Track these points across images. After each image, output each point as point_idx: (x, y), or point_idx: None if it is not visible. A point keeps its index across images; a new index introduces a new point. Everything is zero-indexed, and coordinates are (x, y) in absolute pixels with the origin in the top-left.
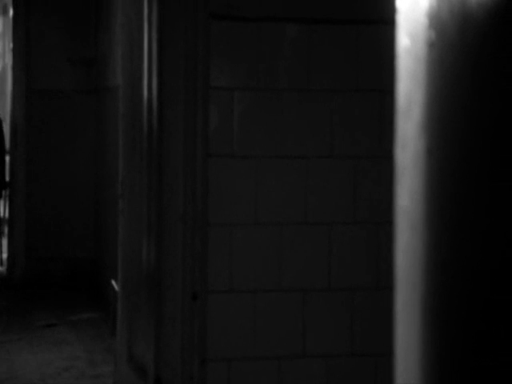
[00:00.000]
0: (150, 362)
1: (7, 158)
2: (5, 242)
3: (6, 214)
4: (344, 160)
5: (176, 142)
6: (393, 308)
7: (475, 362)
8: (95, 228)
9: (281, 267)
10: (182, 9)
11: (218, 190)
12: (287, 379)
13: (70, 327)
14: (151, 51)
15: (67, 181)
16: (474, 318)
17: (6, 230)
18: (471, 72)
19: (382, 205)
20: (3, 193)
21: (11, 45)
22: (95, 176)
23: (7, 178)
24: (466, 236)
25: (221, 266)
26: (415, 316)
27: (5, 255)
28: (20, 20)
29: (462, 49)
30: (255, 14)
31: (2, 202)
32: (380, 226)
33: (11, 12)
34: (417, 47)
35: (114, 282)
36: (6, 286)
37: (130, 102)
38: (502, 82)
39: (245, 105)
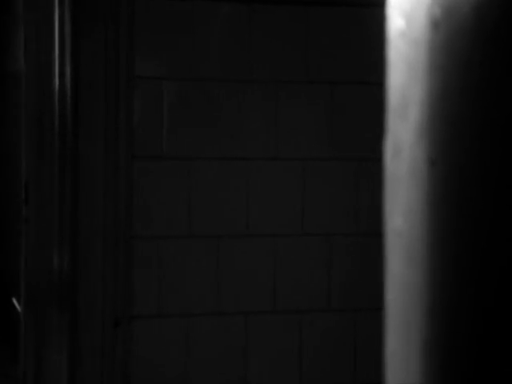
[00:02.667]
0: None
1: None
2: None
3: None
4: (291, 162)
5: (94, 141)
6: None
7: None
8: None
9: (220, 287)
10: None
11: (144, 197)
12: None
13: None
14: (63, 32)
15: None
16: (487, 370)
17: None
18: (488, 60)
19: (334, 211)
20: None
21: None
22: None
23: None
24: (478, 267)
25: (148, 286)
26: (414, 366)
27: None
28: None
29: (476, 30)
30: None
31: None
32: (330, 237)
33: None
34: (415, 29)
35: (15, 300)
36: None
37: (37, 91)
38: None
39: (175, 97)
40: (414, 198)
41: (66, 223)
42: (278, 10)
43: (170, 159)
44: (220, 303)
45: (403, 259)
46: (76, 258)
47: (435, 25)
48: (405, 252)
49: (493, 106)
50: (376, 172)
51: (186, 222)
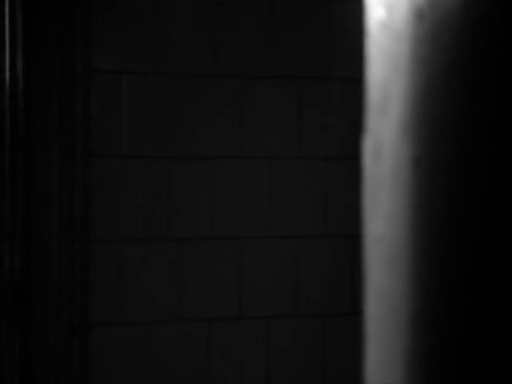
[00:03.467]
0: None
1: None
2: None
3: None
4: (258, 160)
5: (49, 138)
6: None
7: None
8: None
9: (183, 292)
10: None
11: (103, 198)
12: None
13: None
14: (15, 22)
15: None
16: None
17: None
18: (477, 53)
19: (302, 213)
20: None
21: None
22: None
23: None
24: (465, 275)
25: (107, 292)
26: (397, 375)
27: None
28: None
29: (464, 21)
30: None
31: None
32: (299, 239)
33: None
34: (397, 20)
35: None
36: None
37: None
38: None
39: (136, 92)
40: (396, 200)
41: (17, 224)
42: (243, 1)
43: (130, 158)
44: (183, 310)
45: (385, 266)
46: (29, 262)
47: (419, 15)
48: (387, 259)
49: (482, 102)
50: (346, 171)
51: (147, 225)
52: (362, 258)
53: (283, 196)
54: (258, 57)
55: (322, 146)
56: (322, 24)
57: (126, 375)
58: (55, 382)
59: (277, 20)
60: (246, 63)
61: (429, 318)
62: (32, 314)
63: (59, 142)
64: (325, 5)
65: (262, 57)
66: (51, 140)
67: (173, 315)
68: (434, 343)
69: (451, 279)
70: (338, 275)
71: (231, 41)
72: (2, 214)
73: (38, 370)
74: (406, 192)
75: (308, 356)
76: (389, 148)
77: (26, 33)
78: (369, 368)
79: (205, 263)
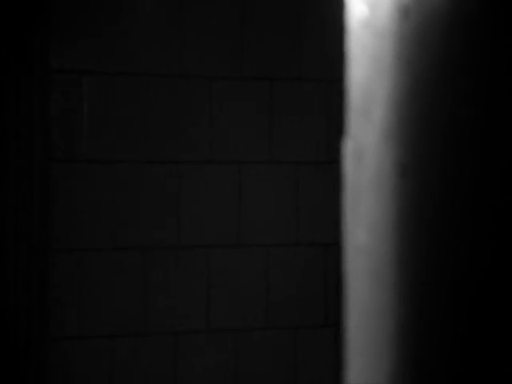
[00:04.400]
0: None
1: None
2: None
3: None
4: (227, 165)
5: (5, 142)
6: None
7: None
8: None
9: (147, 304)
10: None
11: (63, 205)
12: None
13: None
14: None
15: None
16: None
17: None
18: (466, 51)
19: (272, 220)
20: None
21: None
22: None
23: None
24: (454, 290)
25: (68, 304)
26: None
27: None
28: None
29: (452, 18)
30: None
31: None
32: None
33: None
34: (380, 18)
35: None
36: None
37: None
38: (505, 67)
39: (97, 94)
40: (380, 209)
41: None
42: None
43: (92, 163)
44: (147, 322)
45: (368, 278)
46: None
47: (404, 12)
48: (370, 271)
49: (473, 103)
50: (319, 176)
51: (110, 233)
52: (342, 269)
53: (253, 202)
54: (226, 56)
55: (295, 150)
56: (294, 23)
57: None
58: None
59: (247, 19)
60: (214, 63)
61: (415, 331)
62: None
63: (16, 146)
64: (298, 3)
65: (230, 56)
66: (7, 143)
67: (137, 328)
68: (421, 356)
69: (438, 292)
70: (311, 285)
71: (199, 39)
72: None
73: None
74: (391, 200)
75: (279, 369)
76: (371, 153)
77: None
78: (351, 381)
79: (171, 274)
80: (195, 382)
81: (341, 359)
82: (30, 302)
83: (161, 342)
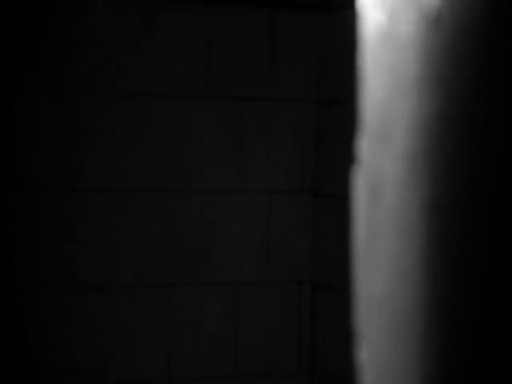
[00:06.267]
0: None
1: None
2: None
3: None
4: (192, 194)
5: None
6: None
7: None
8: None
9: (104, 350)
10: None
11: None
12: None
13: None
14: None
15: None
16: None
17: None
18: (510, 65)
19: (243, 253)
20: None
21: None
22: None
23: None
24: (497, 349)
25: (11, 347)
26: None
27: None
28: None
29: (494, 28)
30: None
31: None
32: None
33: None
34: (403, 28)
35: None
36: None
37: None
38: None
39: (28, 112)
40: (403, 254)
41: None
42: (177, 7)
43: (39, 191)
44: (107, 370)
45: (388, 332)
46: None
47: (434, 21)
48: (389, 328)
49: None
50: (294, 207)
51: (63, 269)
52: (352, 317)
53: (222, 234)
54: (191, 72)
55: (267, 178)
56: (267, 37)
57: None
58: None
59: (213, 31)
60: (177, 80)
61: None
62: None
63: None
64: (269, 16)
65: (196, 73)
66: None
67: (92, 376)
68: None
69: (473, 355)
70: (284, 327)
71: (159, 50)
72: None
73: None
74: (418, 244)
75: None
76: (392, 187)
77: None
78: None
79: (128, 317)
80: None
81: None
82: None
83: None
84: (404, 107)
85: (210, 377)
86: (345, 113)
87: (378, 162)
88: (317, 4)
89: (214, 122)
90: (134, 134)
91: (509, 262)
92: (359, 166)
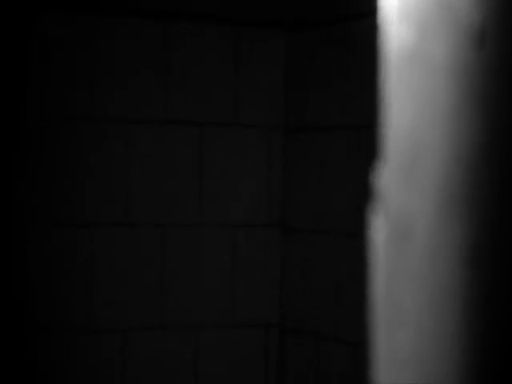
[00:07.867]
0: None
1: None
2: None
3: None
4: (149, 229)
5: None
6: None
7: None
8: None
9: None
10: None
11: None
12: None
13: None
14: None
15: None
16: None
17: None
18: None
19: (204, 295)
20: None
21: None
22: None
23: None
24: None
25: None
26: None
27: None
28: None
29: None
30: None
31: None
32: None
33: None
34: (437, 47)
35: None
36: None
37: None
38: None
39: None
40: (438, 308)
41: None
42: (132, 23)
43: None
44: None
45: None
46: None
47: (479, 39)
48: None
49: None
50: (259, 243)
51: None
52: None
53: (179, 274)
54: (148, 95)
55: (230, 211)
56: (230, 57)
57: None
58: None
59: (174, 50)
60: (132, 103)
61: None
62: None
63: None
64: (235, 35)
65: (153, 96)
66: None
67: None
68: None
69: None
70: (249, 375)
71: (112, 75)
72: None
73: None
74: (454, 297)
75: None
76: (422, 230)
77: None
78: None
79: (80, 365)
80: None
81: None
82: None
83: None
84: (437, 136)
85: None
86: (275, 137)
87: (403, 197)
88: (287, 20)
89: (173, 147)
90: (85, 160)
91: None
92: (379, 201)
